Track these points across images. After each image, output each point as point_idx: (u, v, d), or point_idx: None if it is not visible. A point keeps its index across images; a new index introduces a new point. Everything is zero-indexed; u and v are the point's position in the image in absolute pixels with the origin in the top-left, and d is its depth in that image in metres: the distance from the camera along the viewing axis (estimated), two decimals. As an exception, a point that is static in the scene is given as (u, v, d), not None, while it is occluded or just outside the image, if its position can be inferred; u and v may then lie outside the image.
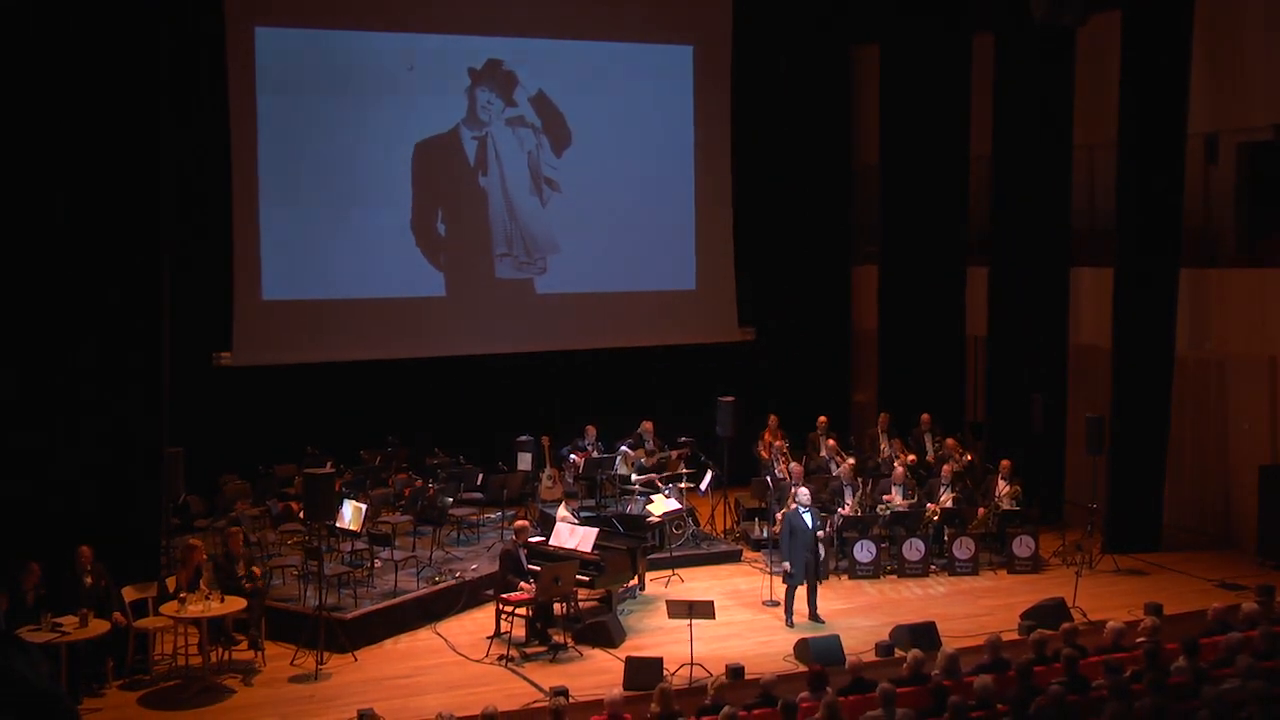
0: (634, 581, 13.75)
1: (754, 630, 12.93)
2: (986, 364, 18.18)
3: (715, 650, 11.88)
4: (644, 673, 10.95)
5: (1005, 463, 15.45)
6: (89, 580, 11.15)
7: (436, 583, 13.48)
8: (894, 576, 14.68)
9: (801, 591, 13.07)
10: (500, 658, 12.01)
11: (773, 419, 17.18)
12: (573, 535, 13.28)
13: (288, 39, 17.10)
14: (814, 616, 13.05)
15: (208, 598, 11.24)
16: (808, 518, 13.00)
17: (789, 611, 13.01)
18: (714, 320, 19.61)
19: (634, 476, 16.07)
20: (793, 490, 13.55)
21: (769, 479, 15.68)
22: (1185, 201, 15.60)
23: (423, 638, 12.76)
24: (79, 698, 10.79)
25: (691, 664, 11.32)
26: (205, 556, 12.01)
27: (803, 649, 11.81)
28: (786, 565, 12.98)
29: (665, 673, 11.08)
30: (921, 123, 18.22)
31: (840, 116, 20.20)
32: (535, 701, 10.70)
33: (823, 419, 17.26)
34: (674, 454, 16.49)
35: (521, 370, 18.37)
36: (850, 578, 14.63)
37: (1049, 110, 16.70)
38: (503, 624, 12.46)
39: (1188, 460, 16.46)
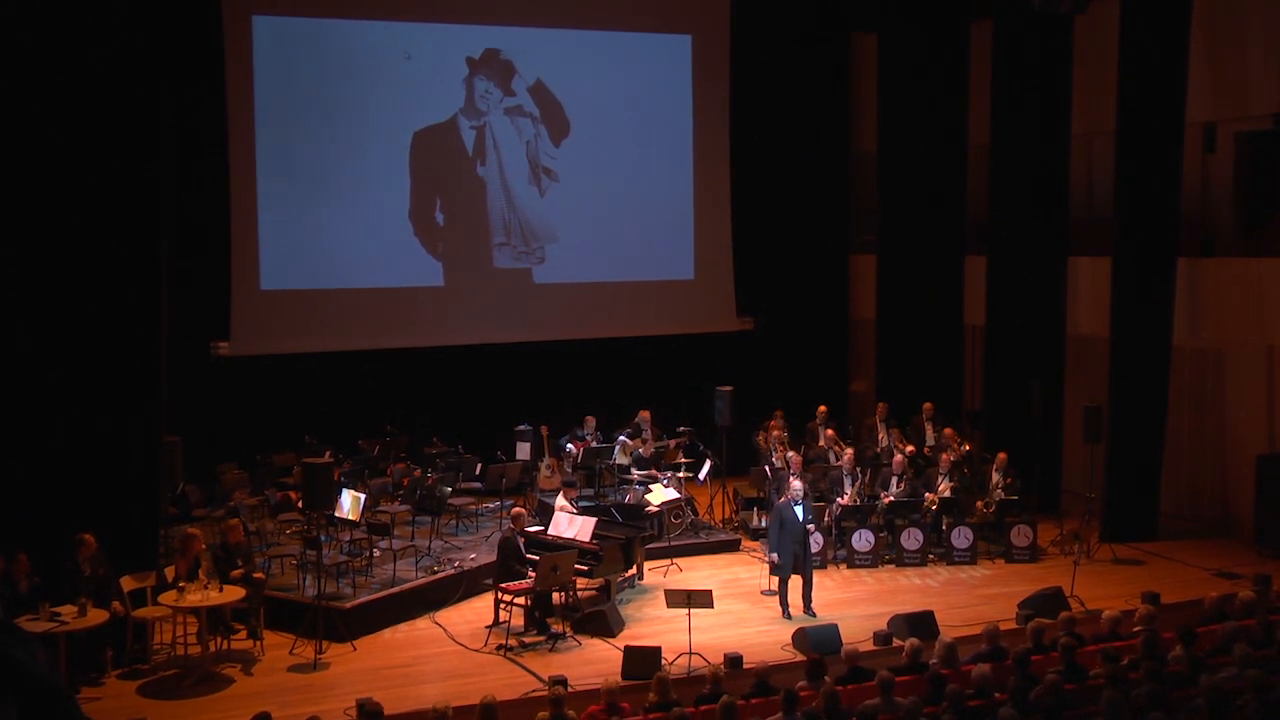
0: (632, 571, 13.76)
1: (752, 619, 12.94)
2: (984, 353, 18.19)
3: (713, 639, 11.88)
4: (642, 662, 10.96)
5: (1002, 455, 15.44)
6: (88, 569, 11.15)
7: (435, 572, 13.49)
8: (892, 566, 14.69)
9: (797, 583, 13.07)
10: (499, 647, 12.02)
11: (779, 413, 17.18)
12: (571, 525, 13.29)
13: (286, 28, 17.08)
14: (808, 610, 13.00)
15: (206, 587, 11.25)
16: (798, 510, 12.99)
17: (784, 604, 13.02)
18: (712, 309, 19.62)
19: (632, 467, 16.07)
20: (790, 481, 13.54)
21: (768, 468, 15.69)
22: (1183, 191, 15.60)
23: (421, 627, 12.77)
24: (77, 687, 10.80)
25: (690, 653, 11.32)
26: (204, 546, 12.02)
27: (801, 638, 11.83)
28: (774, 557, 12.98)
29: (663, 662, 11.10)
30: (920, 112, 18.21)
31: (838, 105, 20.20)
32: (534, 690, 10.73)
33: (822, 408, 17.28)
34: (672, 443, 16.49)
35: (519, 360, 18.37)
36: (848, 567, 14.65)
37: (1047, 99, 16.69)
38: (501, 613, 12.48)
39: (1185, 449, 16.47)
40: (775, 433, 16.52)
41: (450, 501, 15.10)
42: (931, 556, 14.83)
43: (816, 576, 13.42)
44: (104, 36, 11.58)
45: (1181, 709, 8.32)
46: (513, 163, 18.36)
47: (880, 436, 16.96)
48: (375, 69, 17.52)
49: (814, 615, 12.90)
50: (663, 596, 12.01)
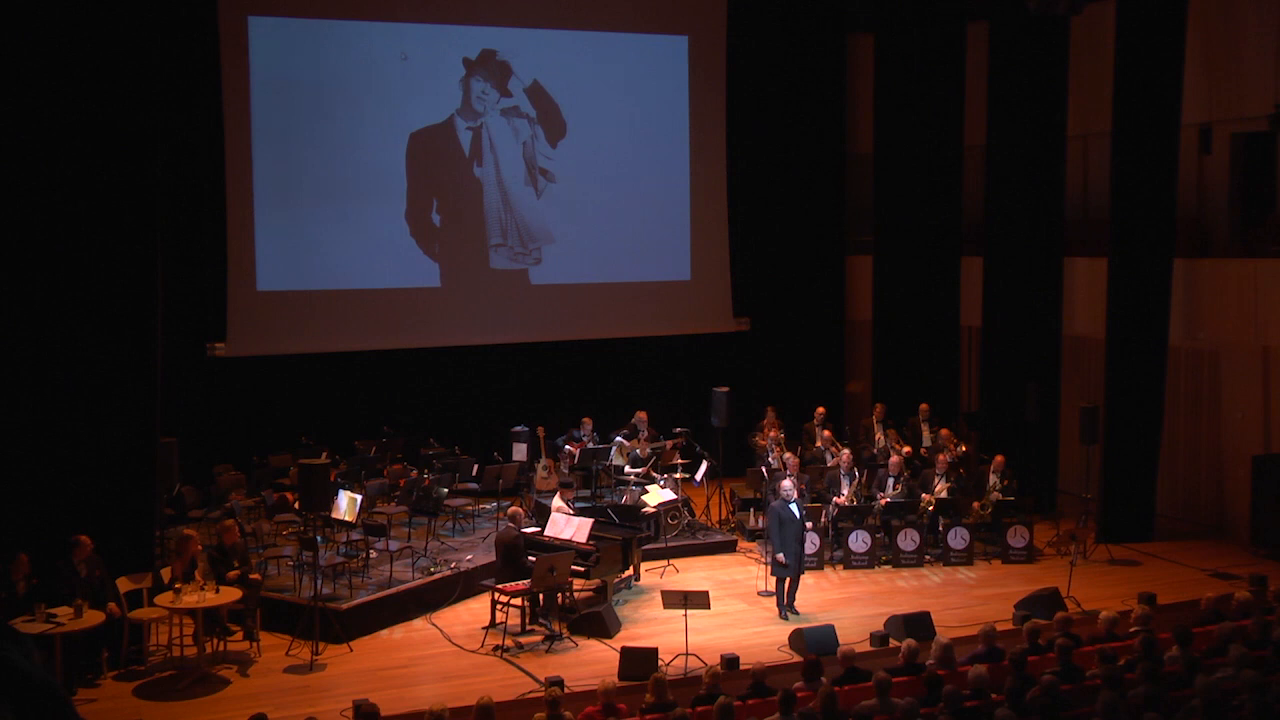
0: (629, 572, 13.75)
1: (749, 620, 12.95)
2: (981, 354, 18.22)
3: (710, 640, 11.91)
4: (639, 663, 10.96)
5: (999, 458, 15.44)
6: (84, 571, 11.13)
7: (432, 573, 13.48)
8: (889, 566, 14.70)
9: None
10: (495, 648, 12.02)
11: (770, 411, 17.20)
12: (568, 526, 13.29)
13: (281, 29, 17.06)
14: (790, 607, 13.01)
15: (203, 588, 11.24)
16: (794, 509, 13.00)
17: (780, 604, 13.02)
18: (709, 310, 19.62)
19: (629, 467, 16.08)
20: (780, 482, 13.51)
21: (764, 469, 15.69)
22: (1179, 191, 15.62)
23: (418, 628, 12.77)
24: (73, 689, 10.79)
25: (686, 654, 11.33)
26: (200, 547, 12.00)
27: (797, 639, 11.83)
28: (780, 557, 12.97)
29: (660, 663, 11.10)
30: (916, 112, 18.22)
31: (835, 106, 20.21)
32: (530, 692, 10.73)
33: (820, 409, 17.28)
34: (669, 444, 16.49)
35: (516, 361, 18.38)
36: (845, 568, 14.66)
37: (1043, 100, 16.72)
38: (498, 614, 12.48)
39: (1181, 450, 16.49)
40: (773, 433, 16.52)
41: (447, 503, 15.10)
42: (928, 557, 14.84)
43: (813, 577, 13.44)
44: (101, 37, 11.56)
45: (1178, 710, 8.32)
46: (509, 164, 18.36)
47: (877, 437, 16.97)
48: (372, 70, 17.50)
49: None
50: (659, 597, 12.00)
